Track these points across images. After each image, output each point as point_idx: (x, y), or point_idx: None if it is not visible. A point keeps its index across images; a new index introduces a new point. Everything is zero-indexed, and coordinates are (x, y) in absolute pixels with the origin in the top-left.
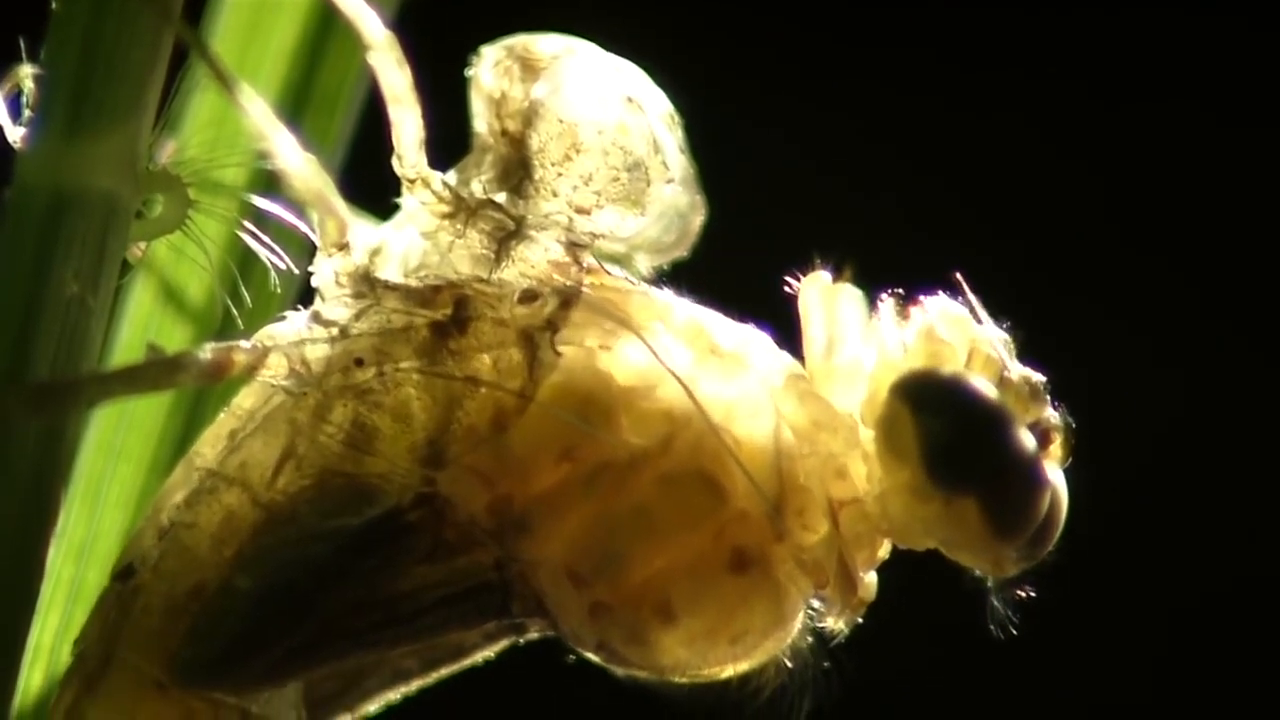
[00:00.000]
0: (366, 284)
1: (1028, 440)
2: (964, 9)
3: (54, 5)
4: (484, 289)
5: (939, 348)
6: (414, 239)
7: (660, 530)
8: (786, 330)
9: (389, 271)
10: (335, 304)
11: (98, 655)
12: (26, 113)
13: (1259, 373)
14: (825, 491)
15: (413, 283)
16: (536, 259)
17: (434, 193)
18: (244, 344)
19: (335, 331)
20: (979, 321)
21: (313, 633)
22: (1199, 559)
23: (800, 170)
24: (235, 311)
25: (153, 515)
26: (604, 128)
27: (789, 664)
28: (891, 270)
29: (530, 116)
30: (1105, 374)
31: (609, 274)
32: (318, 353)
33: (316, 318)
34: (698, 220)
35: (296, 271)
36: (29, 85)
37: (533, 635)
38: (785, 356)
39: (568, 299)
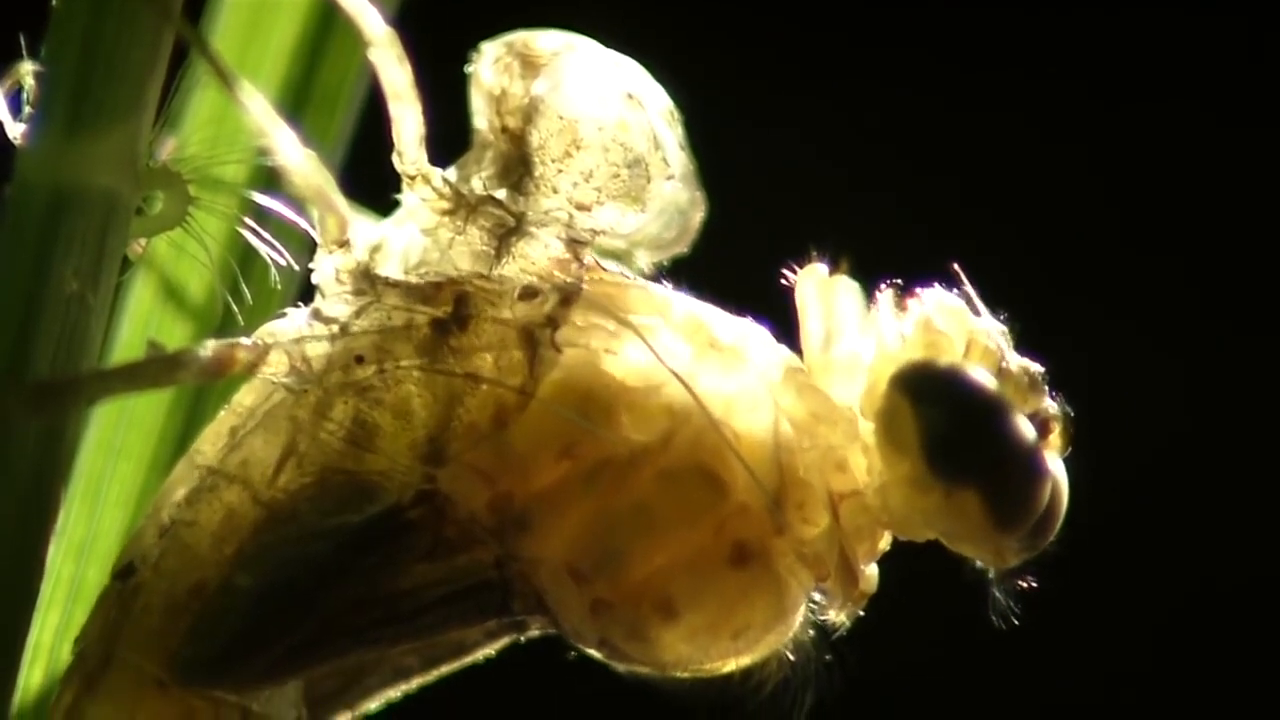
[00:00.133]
0: (367, 281)
1: (1027, 431)
2: (964, 9)
3: (54, 3)
4: (484, 286)
5: (937, 339)
6: (414, 236)
7: (661, 526)
8: (784, 324)
9: (389, 268)
10: (336, 301)
11: (98, 654)
12: (27, 110)
13: (1258, 364)
14: (825, 484)
15: (413, 280)
16: (537, 255)
17: (434, 189)
18: (245, 341)
19: (336, 329)
20: (976, 313)
21: (313, 630)
22: (1199, 550)
23: (799, 166)
24: (236, 308)
25: (153, 513)
26: (604, 124)
27: (791, 658)
28: (889, 266)
29: (530, 113)
30: (1104, 364)
31: (607, 271)
32: (318, 350)
33: (317, 315)
34: (698, 216)
35: (297, 268)
36: (29, 83)
37: (534, 632)
38: (783, 350)
39: (568, 296)
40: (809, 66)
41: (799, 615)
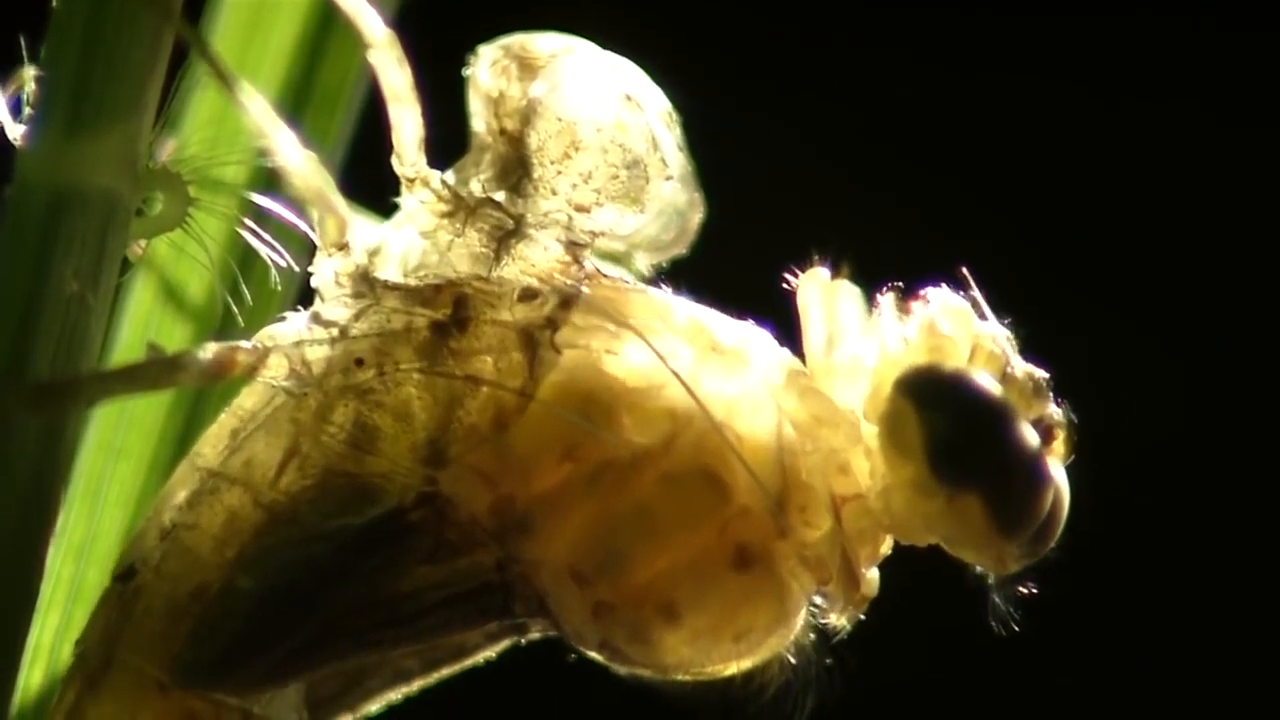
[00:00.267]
0: (366, 284)
1: (1031, 437)
2: (964, 9)
3: (54, 4)
4: (484, 287)
5: (942, 342)
6: (413, 238)
7: (663, 529)
8: (784, 323)
9: (388, 271)
10: (335, 304)
11: (99, 656)
12: (27, 111)
13: (1260, 369)
14: (828, 487)
15: (412, 282)
16: (536, 257)
17: (433, 191)
18: (244, 344)
19: (335, 332)
20: (982, 317)
21: (314, 633)
22: (1201, 556)
23: (799, 168)
24: (236, 309)
25: (154, 516)
26: (602, 125)
27: (792, 661)
28: (889, 266)
29: (529, 115)
30: (1107, 371)
31: (608, 276)
32: (318, 353)
33: (316, 318)
34: (696, 218)
35: (297, 269)
36: (30, 84)
37: (535, 635)
38: (786, 353)
39: (568, 297)
40: (809, 66)
41: (800, 618)
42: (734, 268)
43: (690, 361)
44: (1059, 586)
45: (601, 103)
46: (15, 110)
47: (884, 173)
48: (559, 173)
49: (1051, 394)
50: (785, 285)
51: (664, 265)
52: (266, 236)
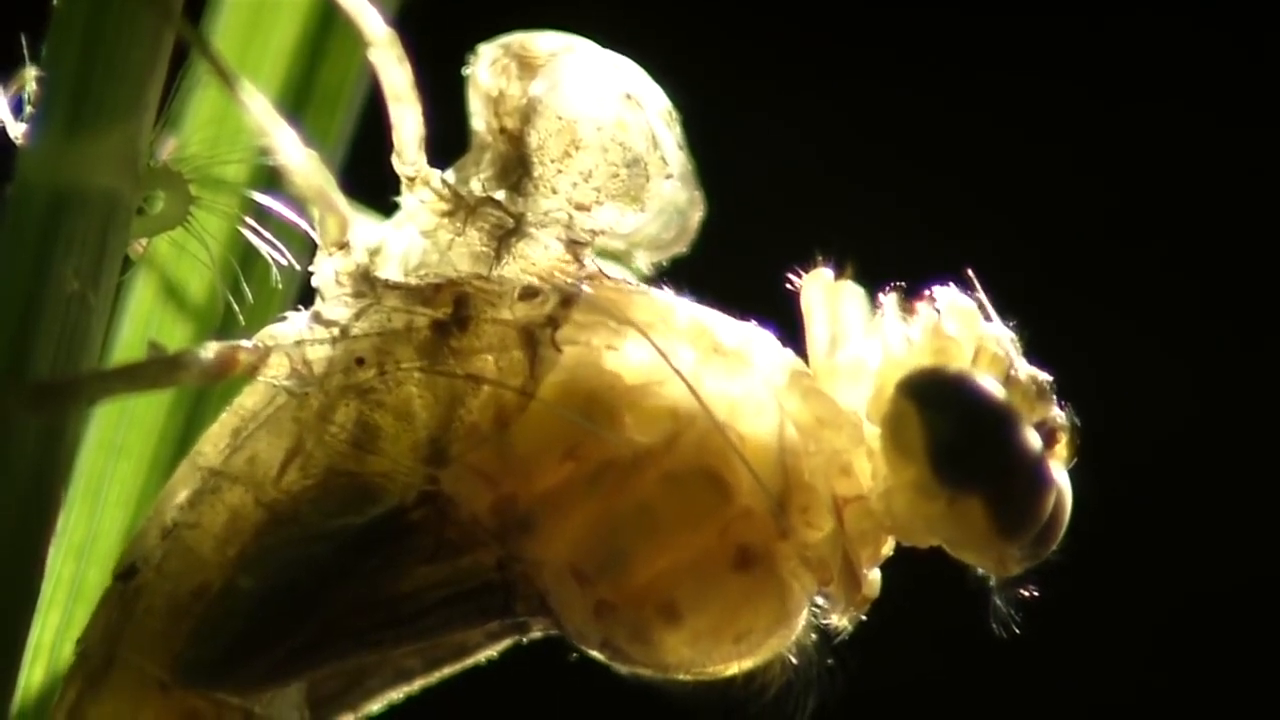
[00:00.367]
0: (366, 283)
1: (1033, 440)
2: (964, 9)
3: (55, 4)
4: (484, 286)
5: (946, 344)
6: (414, 237)
7: (664, 528)
8: (788, 328)
9: (389, 270)
10: (336, 304)
11: (100, 655)
12: (28, 110)
13: (1262, 372)
14: (830, 488)
15: (413, 281)
16: (537, 256)
17: (434, 190)
18: (246, 344)
19: (336, 331)
20: (986, 318)
21: (315, 633)
22: (1203, 559)
23: (800, 167)
24: (237, 308)
25: (155, 515)
26: (602, 124)
27: (793, 662)
28: (889, 266)
29: (529, 114)
30: (1110, 373)
31: (610, 277)
32: (319, 353)
33: (317, 318)
34: (697, 216)
35: (298, 268)
36: (30, 84)
37: (536, 634)
38: (788, 354)
39: (568, 296)
40: (809, 66)
41: (802, 619)
42: (734, 267)
43: (693, 362)
44: (1060, 587)
45: (601, 101)
46: (16, 110)
47: (884, 173)
48: (559, 171)
49: (1055, 397)
50: (787, 285)
51: (664, 264)
52: (267, 235)
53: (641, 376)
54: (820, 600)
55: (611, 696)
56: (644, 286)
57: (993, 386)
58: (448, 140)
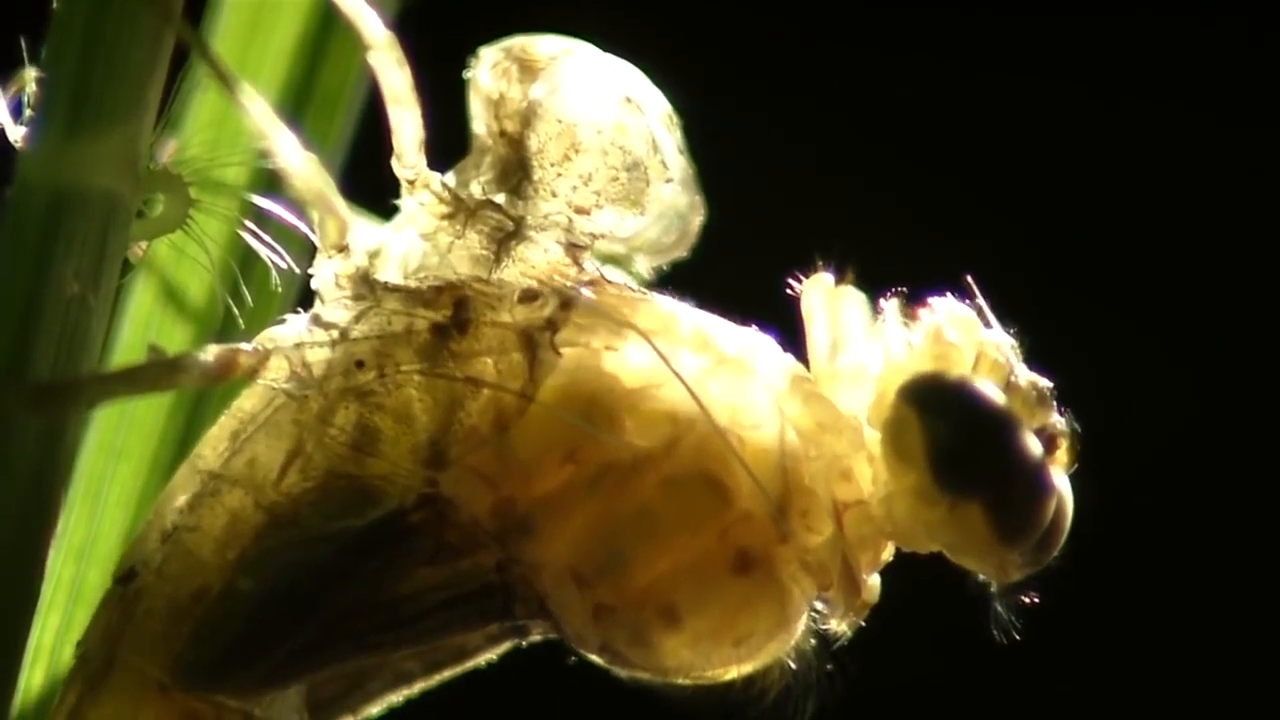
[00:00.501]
0: (366, 286)
1: (1034, 446)
2: (965, 9)
3: (54, 5)
4: (484, 289)
5: (947, 350)
6: (414, 240)
7: (664, 532)
8: (788, 332)
9: (389, 273)
10: (335, 306)
11: (100, 657)
12: (28, 112)
13: (1262, 372)
14: (830, 493)
15: (413, 284)
16: (536, 259)
17: (433, 194)
18: (245, 347)
19: (336, 334)
20: (986, 325)
21: (315, 635)
22: (1203, 560)
23: (800, 170)
24: (236, 311)
25: (155, 518)
26: (603, 128)
27: (793, 666)
28: (894, 272)
29: (529, 117)
30: (1110, 374)
31: (612, 283)
32: (319, 355)
33: (317, 320)
34: (697, 220)
35: (297, 271)
36: (30, 85)
37: (535, 637)
38: (789, 359)
39: (568, 299)
40: (809, 66)
41: (801, 623)
42: (735, 270)
43: (693, 365)
44: (1060, 588)
45: (602, 105)
46: (16, 111)
47: (884, 173)
48: (559, 175)
49: (1055, 403)
50: (788, 289)
51: (665, 268)
52: (267, 238)
53: (641, 380)
54: (820, 605)
55: (611, 700)
56: (644, 291)
57: (993, 392)
58: (448, 143)
